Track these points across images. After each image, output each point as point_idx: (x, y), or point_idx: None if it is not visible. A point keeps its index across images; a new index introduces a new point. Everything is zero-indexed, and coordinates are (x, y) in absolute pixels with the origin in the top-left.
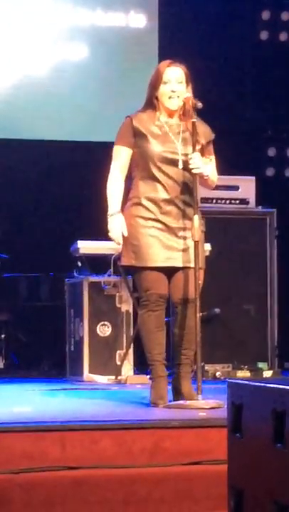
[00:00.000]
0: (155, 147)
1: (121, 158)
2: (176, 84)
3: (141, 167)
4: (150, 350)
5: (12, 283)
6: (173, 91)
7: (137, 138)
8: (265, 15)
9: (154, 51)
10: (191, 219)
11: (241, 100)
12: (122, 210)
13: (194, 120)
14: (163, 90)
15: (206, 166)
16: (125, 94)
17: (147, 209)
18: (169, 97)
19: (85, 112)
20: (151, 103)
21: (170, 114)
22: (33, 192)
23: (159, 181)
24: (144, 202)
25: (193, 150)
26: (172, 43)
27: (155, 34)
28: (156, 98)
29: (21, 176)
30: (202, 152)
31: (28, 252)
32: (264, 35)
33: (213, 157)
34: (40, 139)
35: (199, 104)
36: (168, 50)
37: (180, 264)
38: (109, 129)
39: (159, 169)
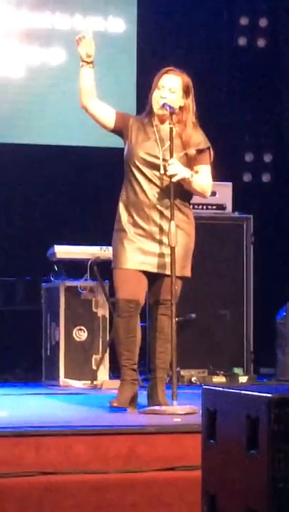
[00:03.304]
0: (137, 148)
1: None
2: (168, 91)
3: (126, 169)
4: (120, 355)
5: None
6: (162, 97)
7: (127, 132)
8: (244, 21)
9: (132, 56)
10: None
11: (219, 106)
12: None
13: (171, 126)
14: (155, 95)
15: (186, 170)
16: (103, 99)
17: (128, 213)
18: (158, 103)
19: (63, 116)
20: (149, 107)
21: (161, 120)
22: (9, 195)
23: (139, 184)
24: (127, 206)
25: (171, 156)
26: (151, 48)
27: (134, 39)
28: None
29: None
30: (190, 161)
31: (4, 255)
32: (242, 41)
33: (202, 166)
34: (16, 143)
35: (177, 111)
36: (146, 55)
37: (154, 270)
38: (86, 134)
39: (140, 172)
